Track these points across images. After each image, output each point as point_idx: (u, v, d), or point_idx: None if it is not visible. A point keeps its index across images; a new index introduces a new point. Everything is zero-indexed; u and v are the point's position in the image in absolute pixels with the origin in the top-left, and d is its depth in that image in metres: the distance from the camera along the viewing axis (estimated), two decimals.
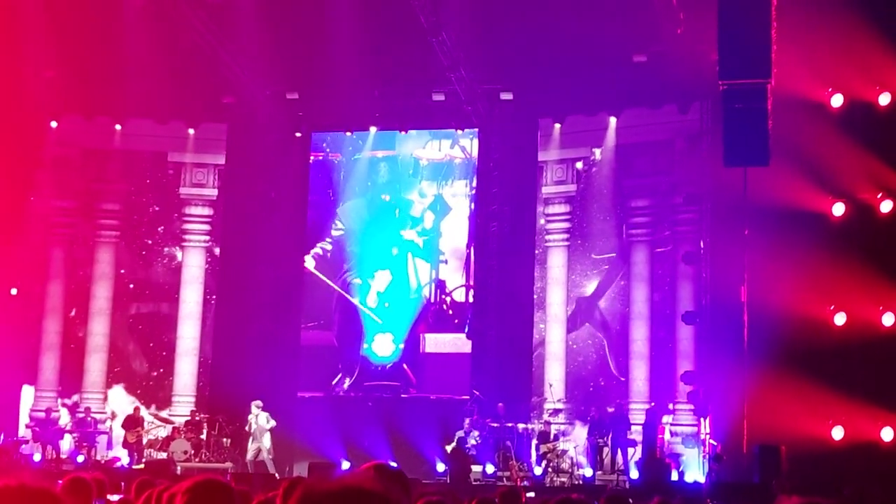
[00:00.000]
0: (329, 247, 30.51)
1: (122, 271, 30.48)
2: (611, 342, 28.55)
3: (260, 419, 26.82)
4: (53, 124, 29.86)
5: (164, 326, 30.31)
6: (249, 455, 26.77)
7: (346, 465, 24.09)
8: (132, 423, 27.06)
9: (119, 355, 30.09)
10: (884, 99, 22.41)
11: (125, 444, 26.91)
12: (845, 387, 21.77)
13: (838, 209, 22.76)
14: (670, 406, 26.73)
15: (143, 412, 28.20)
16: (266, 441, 26.77)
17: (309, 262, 30.32)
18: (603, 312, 28.83)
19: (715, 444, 23.26)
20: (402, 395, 29.22)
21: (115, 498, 9.15)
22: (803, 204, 22.12)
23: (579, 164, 29.34)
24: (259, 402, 27.06)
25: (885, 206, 22.37)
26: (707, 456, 23.40)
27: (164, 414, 28.71)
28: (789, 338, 21.85)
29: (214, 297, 30.19)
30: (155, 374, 29.90)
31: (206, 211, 30.64)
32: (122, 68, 27.10)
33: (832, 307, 22.35)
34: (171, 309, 30.34)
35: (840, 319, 22.35)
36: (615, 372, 28.20)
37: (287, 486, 5.31)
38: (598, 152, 28.95)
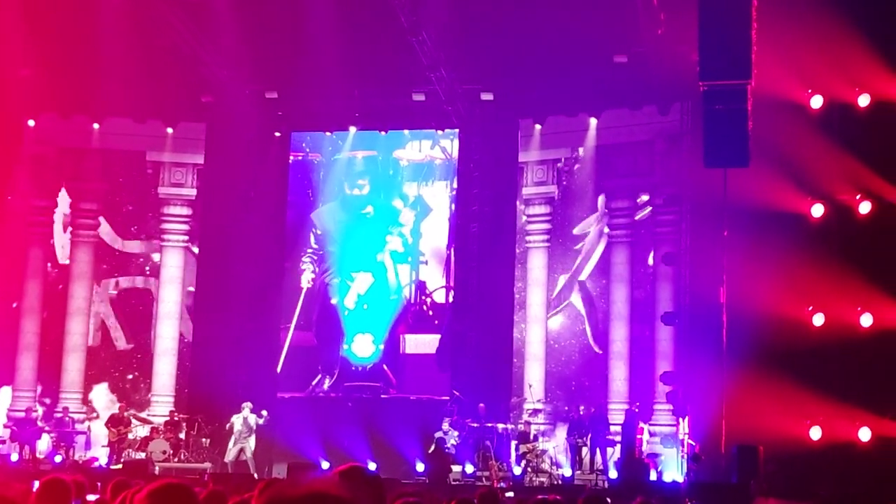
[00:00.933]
0: (311, 258, 30.42)
1: (105, 266, 30.37)
2: (592, 317, 28.53)
3: (249, 420, 26.78)
4: (31, 123, 29.75)
5: (143, 326, 30.21)
6: (230, 456, 26.69)
7: (325, 465, 24.05)
8: (117, 421, 26.97)
9: (97, 355, 29.97)
10: (863, 100, 22.48)
11: (108, 444, 26.79)
12: (823, 387, 21.83)
13: (817, 210, 22.84)
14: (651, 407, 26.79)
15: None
16: (251, 442, 26.74)
17: (306, 278, 30.21)
18: (588, 288, 28.79)
19: (693, 444, 23.31)
20: (382, 396, 29.21)
21: (92, 498, 9.10)
22: (782, 205, 22.19)
23: (560, 164, 29.36)
24: (249, 404, 27.03)
25: (864, 208, 22.45)
26: (685, 456, 23.45)
27: (142, 414, 28.61)
28: (768, 338, 21.91)
29: (192, 296, 30.08)
30: (131, 376, 29.75)
31: (185, 210, 30.56)
32: (100, 67, 26.97)
33: (810, 308, 22.42)
34: (149, 309, 30.25)
35: (818, 320, 22.42)
36: (595, 347, 28.23)
37: (263, 487, 5.31)
38: (581, 151, 28.96)
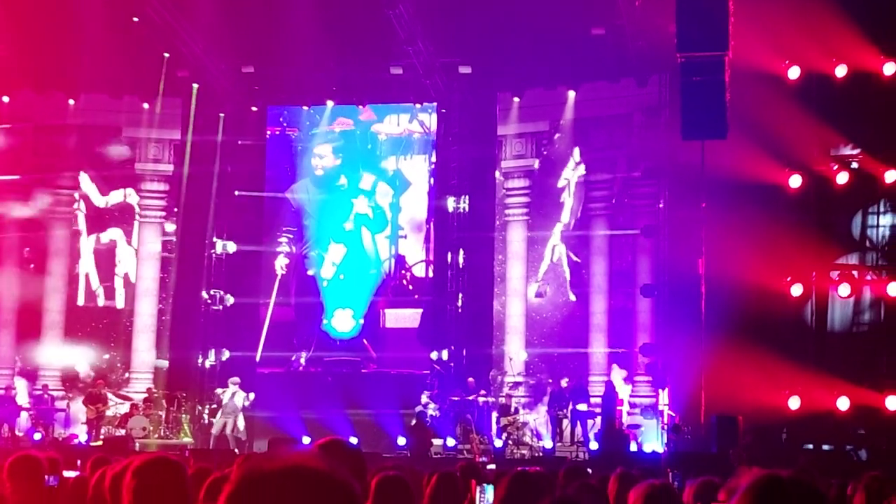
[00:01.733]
0: (289, 237, 30.31)
1: (79, 247, 30.26)
2: (574, 269, 28.59)
3: (237, 398, 26.73)
4: (5, 99, 29.51)
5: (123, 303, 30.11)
6: (215, 429, 26.69)
7: (306, 440, 24.05)
8: (94, 399, 26.89)
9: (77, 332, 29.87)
10: (840, 71, 22.54)
11: (87, 421, 26.73)
12: (801, 357, 21.97)
13: (795, 181, 22.92)
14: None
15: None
16: (240, 421, 26.70)
17: (279, 262, 30.10)
18: (572, 237, 28.83)
19: (673, 414, 23.41)
20: (363, 370, 29.20)
21: (71, 475, 9.06)
22: (760, 176, 22.25)
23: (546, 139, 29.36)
24: (237, 379, 26.99)
25: (841, 178, 22.54)
26: (665, 427, 23.54)
27: (122, 392, 28.55)
28: (746, 309, 22.02)
29: (170, 272, 30.00)
30: (109, 354, 29.63)
31: (163, 186, 30.42)
32: (76, 43, 26.77)
33: (789, 279, 22.52)
34: (129, 284, 30.14)
35: (796, 290, 22.53)
36: (573, 297, 28.33)
37: (241, 461, 5.30)
38: (562, 124, 28.96)
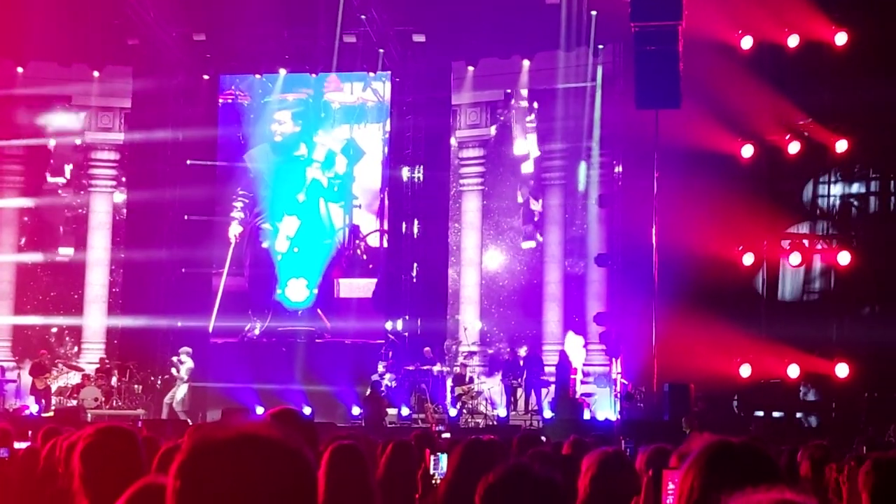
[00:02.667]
0: (244, 202, 30.10)
1: (26, 219, 29.99)
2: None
3: (182, 368, 26.70)
4: None
5: (72, 273, 29.87)
6: (167, 398, 26.68)
7: (260, 410, 23.99)
8: (40, 369, 26.69)
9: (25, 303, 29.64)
10: (792, 41, 22.64)
11: (33, 392, 26.55)
12: (753, 326, 22.15)
13: (747, 151, 23.05)
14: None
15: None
16: (182, 391, 26.67)
17: (233, 230, 29.88)
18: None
19: (626, 383, 23.57)
20: (317, 340, 29.13)
21: (22, 446, 9.02)
22: (713, 146, 22.35)
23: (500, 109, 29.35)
24: (188, 349, 26.92)
25: (793, 148, 22.68)
26: (618, 395, 23.70)
27: (73, 362, 28.39)
28: (699, 278, 22.15)
29: (123, 242, 29.82)
30: (55, 328, 29.41)
31: (113, 156, 30.17)
32: (23, 9, 26.44)
33: (740, 247, 22.67)
34: (79, 255, 29.89)
35: (748, 259, 22.69)
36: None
37: (192, 430, 5.28)
38: (517, 94, 28.97)
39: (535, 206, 29.00)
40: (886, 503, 5.27)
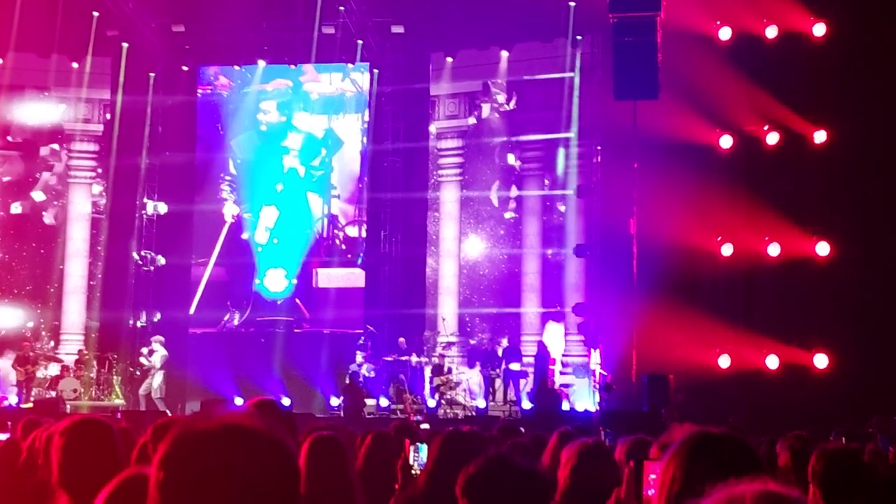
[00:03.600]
0: (230, 186, 30.04)
1: (2, 214, 29.83)
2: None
3: (154, 358, 26.64)
4: None
5: (51, 264, 29.72)
6: (143, 390, 26.59)
7: (239, 401, 23.96)
8: (23, 361, 26.61)
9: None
10: (771, 32, 22.68)
11: (17, 384, 26.46)
12: (732, 316, 22.20)
13: (726, 142, 23.09)
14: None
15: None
16: (157, 379, 26.61)
17: (229, 210, 29.78)
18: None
19: (605, 374, 23.59)
20: (296, 330, 29.11)
21: (1, 437, 8.98)
22: (692, 137, 22.38)
23: (480, 101, 29.31)
24: (161, 338, 26.89)
25: (772, 139, 22.73)
26: (597, 386, 23.73)
27: (53, 354, 28.27)
28: (677, 269, 22.20)
29: (102, 234, 29.71)
30: (31, 323, 29.26)
31: (93, 147, 30.04)
32: (3, 0, 26.27)
33: (719, 238, 22.72)
34: (57, 247, 29.74)
35: (727, 250, 22.74)
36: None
37: (157, 427, 5.25)
38: (495, 84, 28.95)
39: (514, 161, 28.88)
40: (833, 492, 5.32)
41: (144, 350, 27.02)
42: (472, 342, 28.40)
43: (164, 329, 27.95)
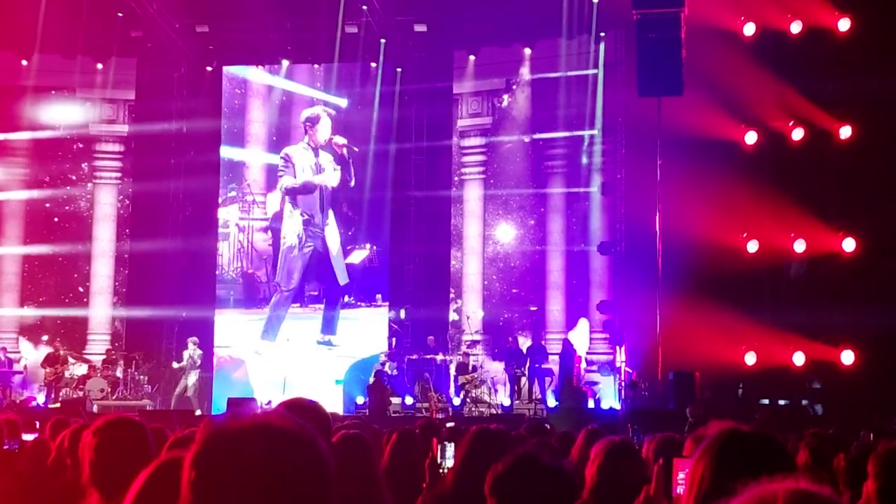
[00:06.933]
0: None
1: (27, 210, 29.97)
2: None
3: (194, 355, 26.90)
4: None
5: (79, 265, 29.85)
6: (178, 390, 26.79)
7: (264, 399, 24.02)
8: (53, 360, 26.76)
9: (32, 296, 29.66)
10: (795, 27, 22.58)
11: (45, 383, 26.61)
12: (758, 313, 22.11)
13: (751, 137, 23.00)
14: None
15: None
16: (192, 378, 26.84)
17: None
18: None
19: (630, 371, 23.55)
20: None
21: (29, 437, 9.01)
22: (716, 133, 22.31)
23: (502, 97, 29.27)
24: (195, 339, 27.07)
25: (797, 134, 22.63)
26: (623, 383, 23.69)
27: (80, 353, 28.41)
28: (703, 265, 22.14)
29: (128, 234, 29.84)
30: (65, 315, 29.41)
31: (118, 147, 30.16)
32: (26, 2, 26.39)
33: (745, 234, 22.64)
34: (84, 247, 29.87)
35: (752, 247, 22.65)
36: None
37: (206, 423, 5.27)
38: (520, 79, 28.89)
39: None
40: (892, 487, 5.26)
41: (186, 353, 27.13)
42: (486, 337, 28.33)
43: (191, 328, 28.06)
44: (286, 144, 29.69)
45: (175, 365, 27.14)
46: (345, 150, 28.80)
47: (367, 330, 28.60)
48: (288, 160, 29.03)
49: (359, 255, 29.17)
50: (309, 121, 29.15)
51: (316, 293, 29.27)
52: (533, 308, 28.25)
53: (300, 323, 28.73)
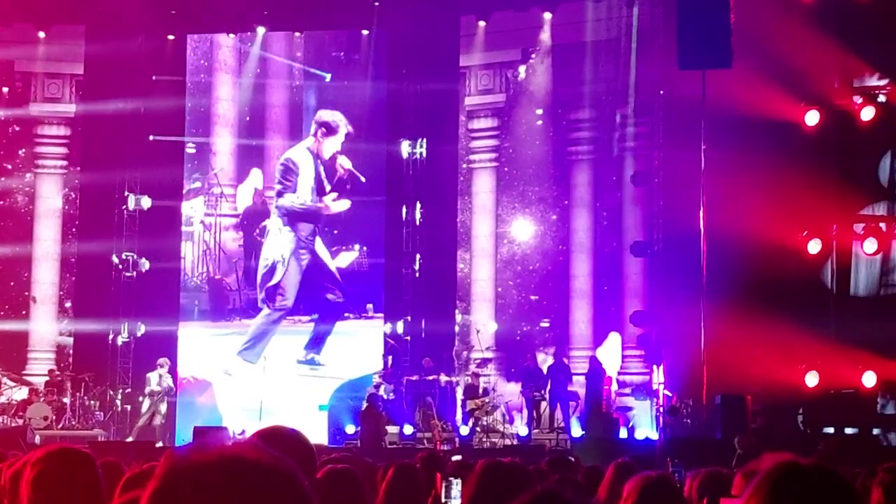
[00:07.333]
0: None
1: None
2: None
3: (164, 380, 26.83)
4: None
5: (17, 270, 29.86)
6: (142, 421, 26.76)
7: (237, 428, 24.07)
8: None
9: None
10: None
11: None
12: (820, 325, 22.10)
13: (812, 118, 22.98)
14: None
15: None
16: (163, 406, 26.83)
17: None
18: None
19: (670, 394, 23.55)
20: None
21: None
22: (771, 112, 22.29)
23: (518, 70, 29.29)
24: (166, 360, 27.01)
25: (867, 114, 22.61)
26: (661, 409, 23.69)
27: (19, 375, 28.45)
28: (755, 269, 22.13)
29: (75, 233, 29.82)
30: (1, 329, 29.41)
31: (63, 131, 30.16)
32: None
33: (804, 233, 22.63)
34: (24, 249, 29.86)
35: (814, 247, 22.64)
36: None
37: (167, 455, 5.26)
38: (539, 49, 28.94)
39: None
40: None
41: (152, 376, 27.09)
42: (499, 355, 28.34)
43: (150, 345, 28.01)
44: (261, 128, 29.69)
45: (147, 390, 27.02)
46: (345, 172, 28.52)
47: (357, 346, 28.54)
48: (290, 171, 28.57)
49: (346, 259, 29.06)
50: (326, 126, 28.59)
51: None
52: (546, 323, 28.23)
53: (280, 339, 28.66)
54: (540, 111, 28.95)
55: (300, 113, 29.90)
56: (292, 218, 28.57)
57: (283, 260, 28.55)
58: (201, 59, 30.50)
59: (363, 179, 28.48)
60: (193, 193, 29.97)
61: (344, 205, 28.54)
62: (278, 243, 28.69)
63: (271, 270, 28.66)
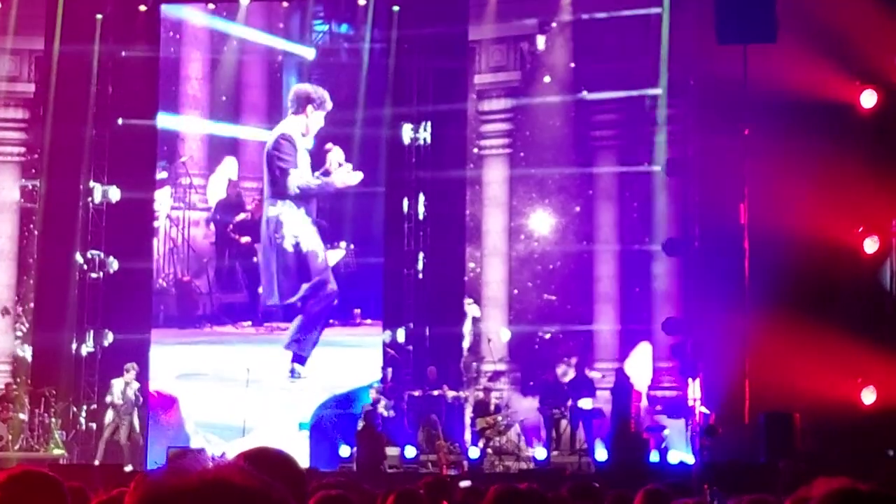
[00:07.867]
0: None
1: None
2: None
3: (129, 390, 26.80)
4: None
5: None
6: (106, 433, 26.79)
7: (216, 450, 24.11)
8: None
9: None
10: None
11: None
12: (878, 335, 22.10)
13: (869, 98, 22.97)
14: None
15: None
16: (135, 421, 26.85)
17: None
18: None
19: (707, 412, 23.55)
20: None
21: None
22: (822, 92, 22.29)
23: (535, 42, 29.34)
24: (133, 365, 27.01)
25: None
26: (697, 429, 23.70)
27: None
28: (804, 271, 22.12)
29: (34, 230, 29.89)
30: None
31: (20, 114, 30.21)
32: None
33: (860, 229, 22.63)
34: None
35: (871, 246, 22.64)
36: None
37: (139, 480, 5.26)
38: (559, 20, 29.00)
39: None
40: None
41: (116, 384, 27.09)
42: (513, 367, 28.39)
43: (119, 355, 28.04)
44: (239, 111, 29.75)
45: (108, 399, 27.05)
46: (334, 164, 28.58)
47: (345, 357, 28.51)
48: (286, 144, 28.63)
49: (330, 258, 29.05)
50: (316, 101, 28.67)
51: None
52: (567, 331, 28.28)
53: (263, 349, 28.70)
54: (559, 91, 28.94)
55: (280, 94, 29.86)
56: (305, 200, 28.69)
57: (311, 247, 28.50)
58: (170, 32, 30.49)
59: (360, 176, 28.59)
60: (159, 184, 29.91)
61: (357, 177, 28.55)
62: (298, 230, 28.70)
63: (304, 260, 28.54)
